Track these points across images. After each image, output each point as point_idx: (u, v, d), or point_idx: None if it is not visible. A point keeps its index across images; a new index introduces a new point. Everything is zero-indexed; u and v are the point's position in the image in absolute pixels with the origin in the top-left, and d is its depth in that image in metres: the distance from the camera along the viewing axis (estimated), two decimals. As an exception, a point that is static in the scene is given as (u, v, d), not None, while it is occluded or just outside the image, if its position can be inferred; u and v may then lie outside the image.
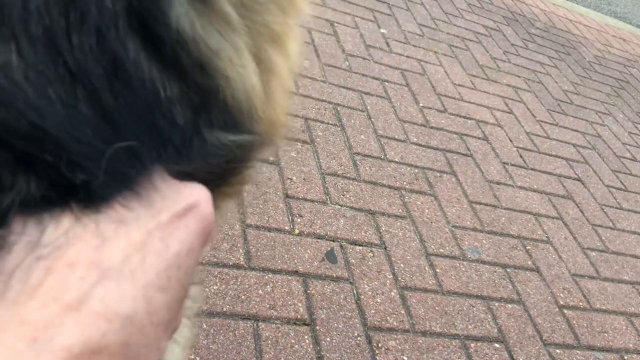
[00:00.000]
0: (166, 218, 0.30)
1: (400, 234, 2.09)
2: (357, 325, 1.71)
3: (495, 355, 1.84)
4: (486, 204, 2.46)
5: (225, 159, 0.36)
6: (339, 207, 2.06)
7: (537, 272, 2.26)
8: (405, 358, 1.69)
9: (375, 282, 1.86)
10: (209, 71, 0.32)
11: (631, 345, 2.17)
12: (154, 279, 0.29)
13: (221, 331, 1.51)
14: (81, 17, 0.28)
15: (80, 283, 0.26)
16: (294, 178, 2.07)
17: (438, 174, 2.48)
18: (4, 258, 0.27)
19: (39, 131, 0.27)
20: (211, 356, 1.46)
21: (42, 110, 0.27)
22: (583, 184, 2.99)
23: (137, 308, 0.28)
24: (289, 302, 1.66)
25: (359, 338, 1.68)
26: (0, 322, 0.25)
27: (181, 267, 0.30)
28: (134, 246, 0.28)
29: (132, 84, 0.29)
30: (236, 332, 1.53)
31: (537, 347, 1.94)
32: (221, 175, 0.37)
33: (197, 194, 0.33)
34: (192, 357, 1.44)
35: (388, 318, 1.77)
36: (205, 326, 1.50)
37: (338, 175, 2.19)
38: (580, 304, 2.23)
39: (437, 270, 2.02)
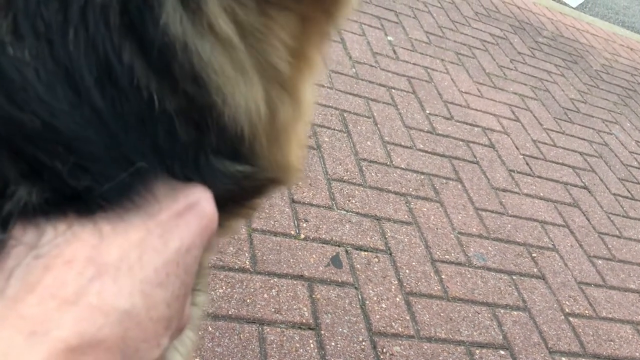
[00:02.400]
0: (166, 216, 0.31)
1: (406, 239, 2.09)
2: (362, 330, 1.71)
3: (501, 362, 1.83)
4: (492, 211, 2.46)
5: (232, 186, 0.36)
6: (345, 212, 2.07)
7: (543, 279, 2.26)
8: (409, 364, 1.69)
9: (381, 288, 1.86)
10: (202, 84, 0.31)
11: (637, 354, 2.16)
12: (152, 275, 0.29)
13: (226, 334, 1.52)
14: (73, 11, 0.27)
15: (78, 278, 0.27)
16: (300, 183, 2.08)
17: (444, 181, 2.49)
18: (4, 260, 0.28)
19: (50, 131, 0.27)
20: (216, 359, 1.46)
21: (53, 108, 0.27)
22: (589, 192, 2.98)
23: (135, 303, 0.28)
24: (294, 307, 1.67)
25: (363, 343, 1.68)
26: None
27: (180, 264, 0.31)
28: (131, 243, 0.29)
29: (125, 90, 0.29)
30: (241, 335, 1.53)
31: (542, 355, 1.94)
32: (232, 199, 0.38)
33: (197, 192, 0.33)
34: None
35: (393, 323, 1.77)
36: (210, 329, 1.51)
37: (344, 181, 2.20)
38: (587, 312, 2.22)
39: (443, 276, 2.02)
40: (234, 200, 0.39)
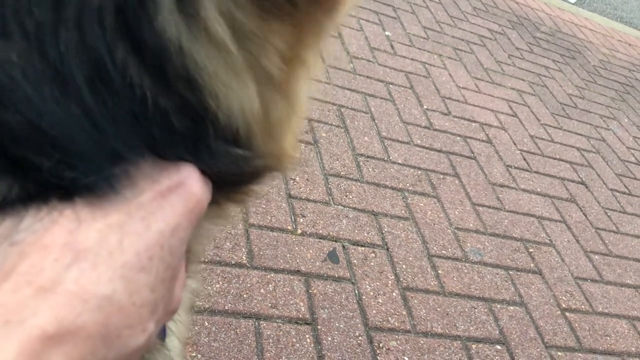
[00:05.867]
0: (148, 197, 0.30)
1: (403, 235, 2.09)
2: (359, 325, 1.71)
3: (497, 357, 1.84)
4: (489, 207, 2.46)
5: (231, 167, 0.35)
6: (342, 207, 2.07)
7: (540, 274, 2.26)
8: (406, 358, 1.69)
9: (377, 283, 1.87)
10: (196, 87, 0.31)
11: (633, 349, 2.17)
12: (134, 259, 0.28)
13: (223, 329, 1.52)
14: (67, 12, 0.27)
15: (54, 265, 0.26)
16: (297, 178, 2.08)
17: (441, 176, 2.49)
18: None
19: (36, 132, 0.27)
20: (212, 354, 1.46)
21: (39, 108, 0.27)
22: (587, 187, 2.98)
23: (116, 288, 0.27)
24: (291, 302, 1.67)
25: (360, 338, 1.68)
26: None
27: (165, 246, 0.30)
28: (111, 227, 0.28)
29: (116, 88, 0.28)
30: (238, 330, 1.54)
31: (538, 350, 1.94)
32: (229, 181, 0.37)
33: (183, 172, 0.32)
34: (194, 354, 1.45)
35: (389, 318, 1.78)
36: (207, 324, 1.51)
37: (341, 176, 2.20)
38: (583, 307, 2.23)
39: (439, 271, 2.03)
40: (230, 183, 0.38)
